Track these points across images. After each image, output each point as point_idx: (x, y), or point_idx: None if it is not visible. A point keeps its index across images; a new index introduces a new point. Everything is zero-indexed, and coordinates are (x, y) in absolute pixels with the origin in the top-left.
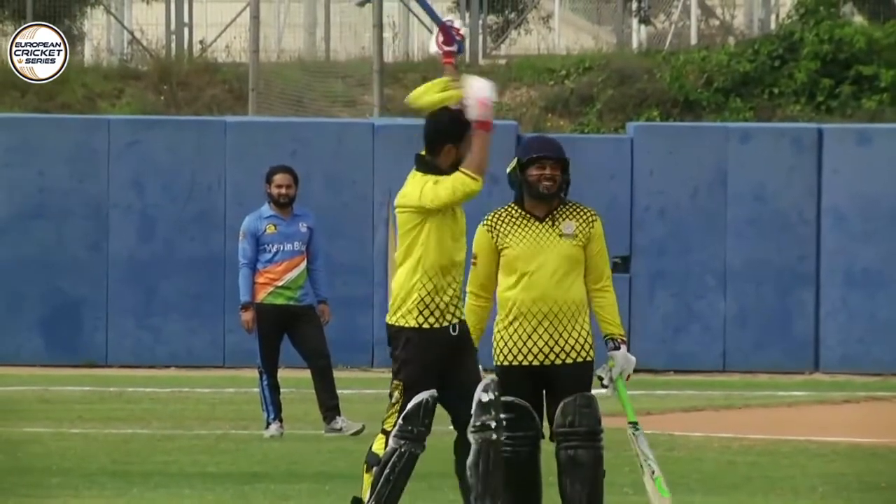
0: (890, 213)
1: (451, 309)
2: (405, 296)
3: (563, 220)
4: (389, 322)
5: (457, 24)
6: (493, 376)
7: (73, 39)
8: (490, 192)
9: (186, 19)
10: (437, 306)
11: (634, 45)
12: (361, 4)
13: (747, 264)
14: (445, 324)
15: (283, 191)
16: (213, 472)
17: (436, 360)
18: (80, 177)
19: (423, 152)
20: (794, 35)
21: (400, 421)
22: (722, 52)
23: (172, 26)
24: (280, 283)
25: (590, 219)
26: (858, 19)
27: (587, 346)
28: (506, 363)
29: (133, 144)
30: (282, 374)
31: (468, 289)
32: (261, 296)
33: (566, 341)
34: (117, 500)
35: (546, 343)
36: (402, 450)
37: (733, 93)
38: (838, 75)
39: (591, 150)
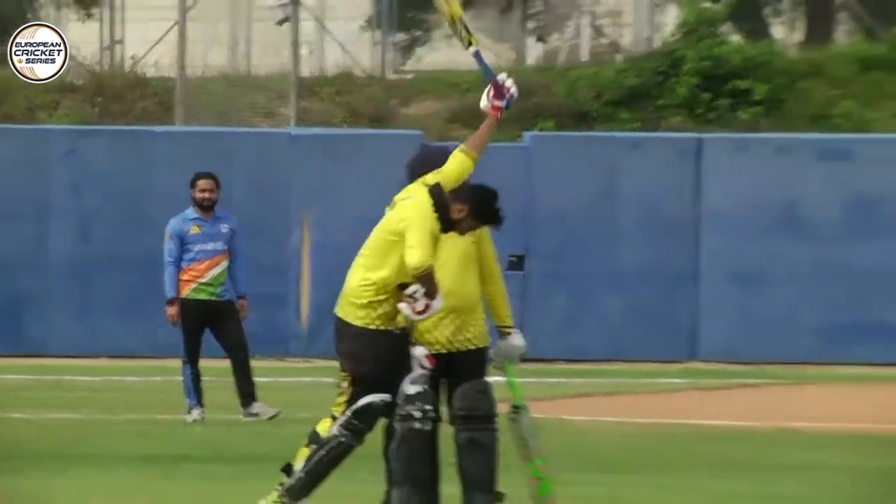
0: (764, 215)
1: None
2: (357, 296)
3: None
4: (339, 315)
5: (508, 82)
6: (423, 371)
7: None
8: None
9: (119, 37)
10: (386, 311)
11: (531, 61)
12: (280, 23)
13: (636, 264)
14: (391, 328)
15: (206, 195)
16: (142, 454)
17: (384, 354)
18: (23, 181)
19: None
20: (676, 52)
21: (349, 413)
22: (611, 68)
23: (106, 43)
24: (203, 280)
25: None
26: (735, 38)
27: (484, 334)
28: None
29: (71, 152)
30: (204, 363)
31: None
32: (185, 292)
33: (468, 330)
34: (58, 480)
35: (452, 333)
36: (342, 439)
37: (622, 105)
38: (717, 89)
39: (490, 157)
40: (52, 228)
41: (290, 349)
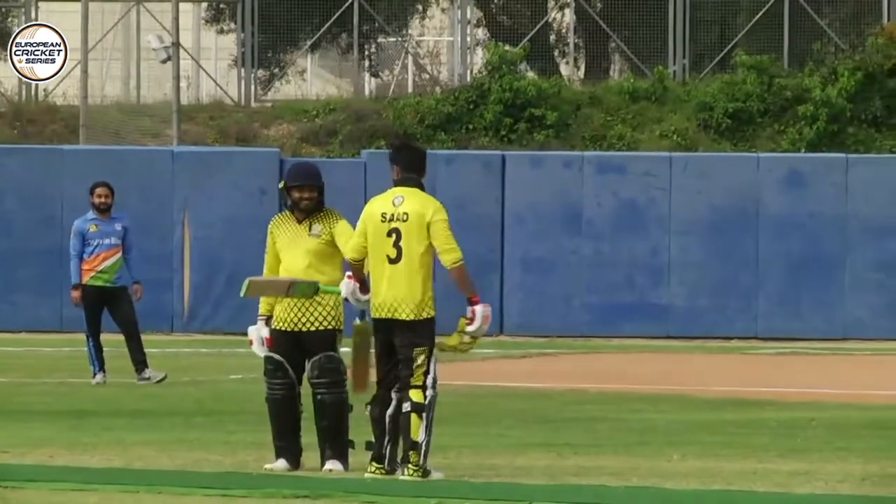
0: (554, 217)
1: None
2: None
3: (313, 224)
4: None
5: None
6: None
7: None
8: (261, 201)
9: None
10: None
11: (367, 92)
12: (164, 62)
13: None
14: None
15: (103, 200)
16: (55, 410)
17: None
18: None
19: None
20: (484, 86)
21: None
22: (431, 98)
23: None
24: (100, 269)
25: (333, 221)
26: (531, 74)
27: (332, 316)
28: (274, 328)
29: None
30: (104, 337)
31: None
32: (85, 279)
33: (311, 314)
34: None
35: (296, 314)
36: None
37: (440, 128)
38: (516, 115)
39: (335, 171)
40: None
41: (174, 325)
